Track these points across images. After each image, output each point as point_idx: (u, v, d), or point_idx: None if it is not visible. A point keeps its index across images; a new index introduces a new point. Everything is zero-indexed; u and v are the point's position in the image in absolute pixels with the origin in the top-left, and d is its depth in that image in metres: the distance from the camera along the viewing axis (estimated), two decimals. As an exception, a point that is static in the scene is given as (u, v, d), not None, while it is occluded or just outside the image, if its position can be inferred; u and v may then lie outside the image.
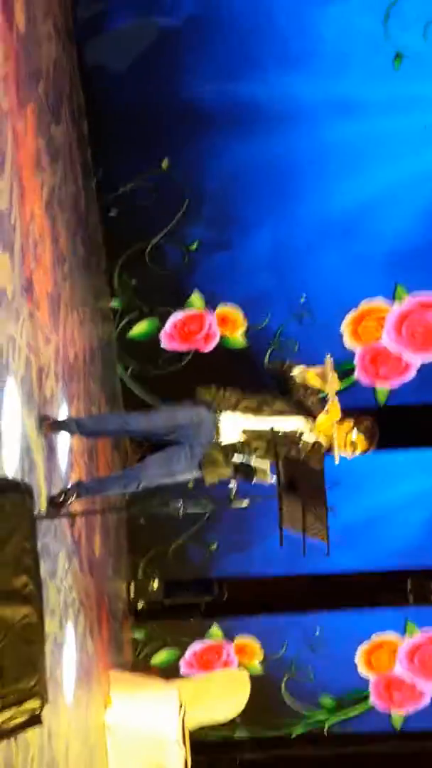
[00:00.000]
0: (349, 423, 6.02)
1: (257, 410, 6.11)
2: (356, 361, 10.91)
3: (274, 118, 9.57)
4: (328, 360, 5.96)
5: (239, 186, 10.00)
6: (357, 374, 10.90)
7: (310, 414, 6.04)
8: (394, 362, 10.98)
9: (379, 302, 10.75)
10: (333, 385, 5.92)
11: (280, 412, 6.00)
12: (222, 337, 10.82)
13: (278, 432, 5.71)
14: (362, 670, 11.65)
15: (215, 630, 11.63)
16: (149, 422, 6.39)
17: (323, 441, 5.94)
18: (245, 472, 5.89)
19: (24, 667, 3.98)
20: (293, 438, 5.87)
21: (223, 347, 10.75)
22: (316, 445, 5.81)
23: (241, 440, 6.05)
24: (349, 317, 10.80)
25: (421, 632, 11.71)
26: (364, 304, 10.75)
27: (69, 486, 6.37)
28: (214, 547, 11.36)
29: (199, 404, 6.25)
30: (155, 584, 11.74)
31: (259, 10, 8.98)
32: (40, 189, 6.81)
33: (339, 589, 11.82)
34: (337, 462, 5.80)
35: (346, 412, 6.08)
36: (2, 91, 5.58)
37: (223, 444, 6.09)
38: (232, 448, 6.04)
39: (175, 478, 6.24)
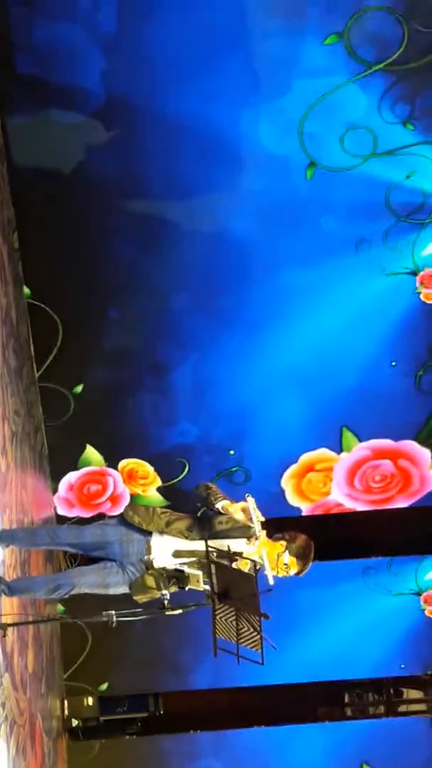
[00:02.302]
0: (282, 544, 5.98)
1: (187, 533, 6.07)
2: (306, 519, 10.41)
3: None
4: (250, 499, 5.96)
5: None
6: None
7: (237, 538, 6.00)
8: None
9: (323, 453, 10.31)
10: (257, 519, 5.91)
11: (209, 536, 5.94)
12: (133, 497, 10.38)
13: (212, 551, 5.70)
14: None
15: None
16: (78, 537, 6.34)
17: (256, 561, 5.90)
18: (178, 579, 5.85)
19: None
20: (226, 555, 5.85)
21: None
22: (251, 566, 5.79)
23: (174, 562, 6.00)
24: (290, 472, 10.35)
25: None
26: (306, 457, 10.34)
27: None
28: (148, 658, 11.18)
29: (129, 524, 6.20)
30: (90, 701, 11.51)
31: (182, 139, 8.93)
32: (-29, 301, 6.86)
33: (280, 702, 11.69)
34: (271, 583, 5.77)
35: (279, 530, 6.07)
36: None
37: (156, 565, 6.04)
38: (164, 571, 5.98)
39: (107, 590, 6.17)
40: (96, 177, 9.00)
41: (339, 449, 10.34)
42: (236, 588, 5.30)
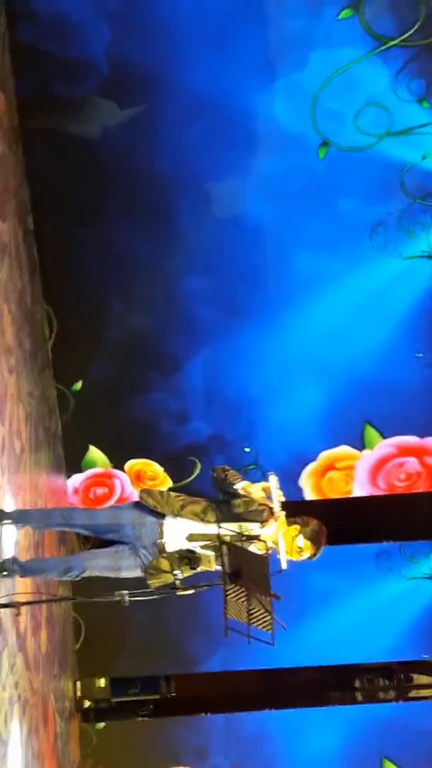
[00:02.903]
0: (296, 528, 5.99)
1: (202, 516, 6.10)
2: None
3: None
4: (272, 478, 5.98)
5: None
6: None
7: (251, 522, 6.02)
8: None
9: (344, 451, 10.05)
10: (278, 500, 5.93)
11: (225, 520, 5.96)
12: None
13: (225, 536, 5.69)
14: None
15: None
16: (91, 518, 6.37)
17: (271, 545, 5.92)
18: (190, 559, 5.87)
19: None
20: (240, 538, 5.86)
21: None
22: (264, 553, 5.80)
23: (187, 546, 6.02)
24: (309, 470, 10.10)
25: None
26: (326, 455, 10.12)
27: (3, 559, 6.30)
28: (161, 642, 11.22)
29: (143, 507, 6.23)
30: (102, 682, 11.57)
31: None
32: (-14, 283, 6.89)
33: (289, 685, 11.72)
34: (284, 567, 5.79)
35: (293, 514, 6.08)
36: None
37: (168, 549, 6.07)
38: (177, 554, 6.00)
39: (119, 573, 6.19)
40: (109, 160, 9.00)
41: (361, 446, 10.13)
42: (248, 569, 5.32)
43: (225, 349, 9.80)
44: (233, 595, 5.37)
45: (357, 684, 12.17)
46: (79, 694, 11.33)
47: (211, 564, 5.82)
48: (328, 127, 8.82)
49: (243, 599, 5.35)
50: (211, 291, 9.57)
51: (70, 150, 8.95)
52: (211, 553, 5.83)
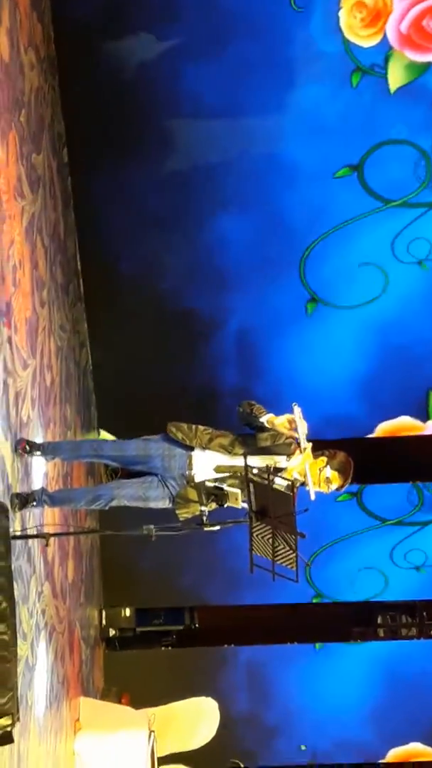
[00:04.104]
0: (323, 459, 6.04)
1: (230, 449, 6.16)
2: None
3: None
4: (296, 409, 6.01)
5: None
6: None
7: (279, 455, 6.08)
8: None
9: (405, 422, 9.99)
10: (303, 430, 5.97)
11: (251, 452, 6.03)
12: None
13: (252, 468, 5.78)
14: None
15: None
16: (121, 450, 6.44)
17: (298, 477, 5.97)
18: (217, 496, 5.94)
19: (-5, 685, 4.02)
20: (266, 472, 5.92)
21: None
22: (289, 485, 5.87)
23: (214, 476, 6.09)
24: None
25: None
26: (385, 426, 10.13)
27: (33, 490, 6.40)
28: (185, 573, 11.36)
29: (171, 440, 6.30)
30: (127, 612, 11.74)
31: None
32: (21, 215, 6.90)
33: (312, 620, 11.85)
34: (312, 498, 5.84)
35: (320, 447, 6.12)
36: (-15, 118, 5.68)
37: (196, 480, 6.14)
38: (204, 485, 6.08)
39: (147, 503, 6.28)
40: (145, 94, 8.95)
41: (425, 417, 10.10)
42: (274, 507, 5.38)
43: (265, 306, 9.86)
44: (259, 532, 5.45)
45: (379, 620, 12.30)
46: (104, 622, 11.51)
47: (237, 501, 5.89)
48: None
49: (268, 536, 5.43)
50: (253, 239, 9.59)
51: (106, 83, 8.89)
52: (237, 491, 5.90)
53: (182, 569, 11.30)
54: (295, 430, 5.95)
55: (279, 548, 5.38)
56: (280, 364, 9.96)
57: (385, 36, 8.62)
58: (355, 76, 8.77)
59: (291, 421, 6.01)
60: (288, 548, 5.35)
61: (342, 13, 8.59)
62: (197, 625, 11.92)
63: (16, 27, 6.91)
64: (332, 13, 8.57)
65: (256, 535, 5.44)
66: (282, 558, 5.38)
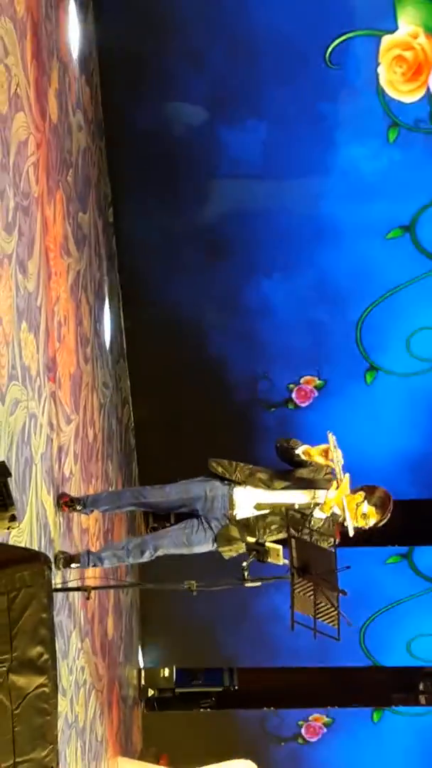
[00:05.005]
0: (360, 494, 6.03)
1: (269, 484, 6.18)
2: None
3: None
4: (331, 437, 6.01)
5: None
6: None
7: (319, 489, 6.08)
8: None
9: None
10: (338, 460, 5.96)
11: (291, 487, 6.05)
12: None
13: (293, 505, 5.76)
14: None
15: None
16: (164, 495, 6.46)
17: (337, 512, 5.95)
18: (258, 552, 5.94)
19: (36, 738, 3.99)
20: (307, 511, 5.92)
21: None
22: (329, 520, 5.85)
23: (255, 514, 6.11)
24: None
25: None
26: None
27: (77, 552, 6.43)
28: (225, 634, 11.27)
29: (213, 478, 6.33)
30: (166, 672, 11.67)
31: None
32: (66, 273, 7.00)
33: (354, 684, 11.69)
34: (351, 534, 5.83)
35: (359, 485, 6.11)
36: (33, 177, 5.79)
37: (237, 518, 6.16)
38: (247, 523, 6.11)
39: (191, 549, 6.29)
40: (189, 156, 9.06)
41: None
42: (315, 563, 5.36)
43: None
44: (300, 589, 5.42)
45: (421, 687, 12.13)
46: (143, 682, 11.44)
47: (278, 558, 5.88)
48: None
49: (310, 594, 5.40)
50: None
51: (152, 145, 9.00)
52: (279, 547, 5.89)
53: (222, 630, 11.22)
54: (332, 460, 5.95)
55: (321, 605, 5.35)
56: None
57: (428, 90, 8.54)
58: (393, 132, 8.69)
59: (327, 451, 6.01)
60: (330, 606, 5.32)
61: (381, 69, 8.52)
62: (237, 687, 11.80)
63: (65, 89, 7.06)
64: (370, 70, 8.53)
65: (298, 592, 5.41)
66: (324, 616, 5.34)
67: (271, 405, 10.15)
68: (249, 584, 5.63)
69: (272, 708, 11.69)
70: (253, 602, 10.71)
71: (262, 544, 5.94)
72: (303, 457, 6.07)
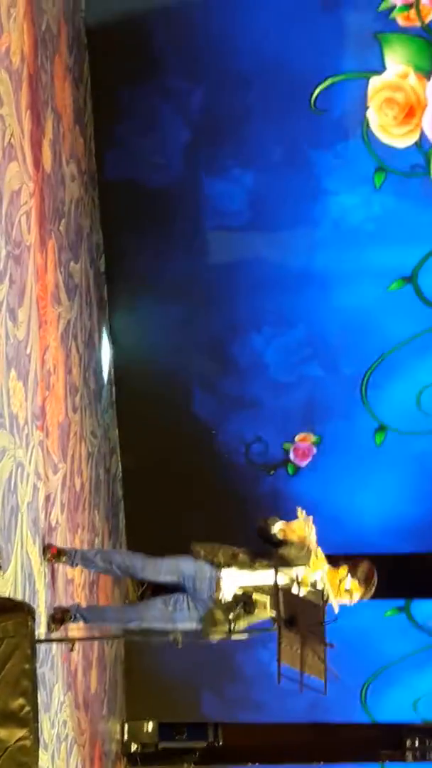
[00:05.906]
0: (343, 569, 6.01)
1: (251, 565, 6.13)
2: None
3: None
4: (300, 513, 6.01)
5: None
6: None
7: (297, 566, 6.04)
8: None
9: None
10: (311, 537, 5.95)
11: (272, 566, 5.99)
12: None
13: (275, 584, 5.72)
14: None
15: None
16: (154, 572, 6.39)
17: (322, 589, 5.91)
18: (246, 603, 5.89)
19: (16, 792, 3.93)
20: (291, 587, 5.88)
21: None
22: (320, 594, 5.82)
23: (240, 593, 6.06)
24: None
25: None
26: None
27: (68, 606, 6.38)
28: (210, 688, 11.14)
29: (201, 559, 6.29)
30: (149, 726, 11.51)
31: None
32: (57, 321, 7.00)
33: (338, 740, 11.56)
34: (336, 611, 5.78)
35: (342, 558, 6.08)
36: (26, 226, 5.81)
37: (223, 601, 6.11)
38: (233, 605, 6.05)
39: (174, 625, 6.23)
40: (180, 208, 9.11)
41: None
42: (303, 616, 5.32)
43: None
44: (287, 641, 5.37)
45: (408, 743, 11.98)
46: (126, 737, 11.28)
47: (266, 610, 5.83)
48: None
49: (297, 647, 5.35)
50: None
51: (144, 197, 9.05)
52: (266, 598, 5.84)
53: (207, 684, 11.09)
54: (305, 538, 5.94)
55: (308, 658, 5.30)
56: (329, 497, 9.83)
57: (423, 133, 8.18)
58: (379, 176, 8.38)
59: (299, 527, 5.99)
60: (317, 659, 5.27)
61: (371, 113, 8.20)
62: (221, 743, 11.64)
63: (59, 139, 7.11)
64: (358, 114, 8.24)
65: (285, 645, 5.36)
66: (311, 669, 5.29)
67: (269, 467, 10.01)
68: (236, 637, 5.59)
69: (257, 764, 11.52)
70: (240, 656, 10.60)
71: (250, 596, 5.89)
72: (279, 537, 6.05)
